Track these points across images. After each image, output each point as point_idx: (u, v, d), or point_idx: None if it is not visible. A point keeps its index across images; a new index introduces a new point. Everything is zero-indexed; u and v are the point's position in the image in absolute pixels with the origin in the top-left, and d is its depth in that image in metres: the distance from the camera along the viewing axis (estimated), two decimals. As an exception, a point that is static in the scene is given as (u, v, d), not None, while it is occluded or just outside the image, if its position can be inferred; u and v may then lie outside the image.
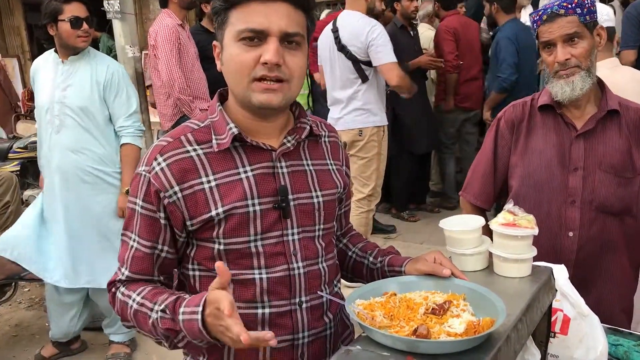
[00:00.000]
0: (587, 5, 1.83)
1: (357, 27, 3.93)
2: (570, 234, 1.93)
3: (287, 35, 1.26)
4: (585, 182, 1.90)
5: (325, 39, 4.17)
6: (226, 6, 1.28)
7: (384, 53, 3.88)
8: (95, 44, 10.14)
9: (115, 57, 9.50)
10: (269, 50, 1.24)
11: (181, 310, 1.20)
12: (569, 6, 1.82)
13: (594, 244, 1.92)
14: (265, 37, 1.25)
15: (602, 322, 1.66)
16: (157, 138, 4.79)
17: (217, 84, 4.74)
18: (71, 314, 3.35)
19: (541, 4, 4.57)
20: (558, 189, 1.93)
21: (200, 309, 1.16)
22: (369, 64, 3.97)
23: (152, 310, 1.26)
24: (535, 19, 1.90)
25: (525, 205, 1.79)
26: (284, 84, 1.28)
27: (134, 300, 1.31)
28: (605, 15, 2.57)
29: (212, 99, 4.31)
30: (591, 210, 1.91)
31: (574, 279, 1.73)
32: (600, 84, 1.97)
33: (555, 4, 1.85)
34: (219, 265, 1.12)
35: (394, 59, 3.94)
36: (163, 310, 1.24)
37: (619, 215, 1.92)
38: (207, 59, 4.61)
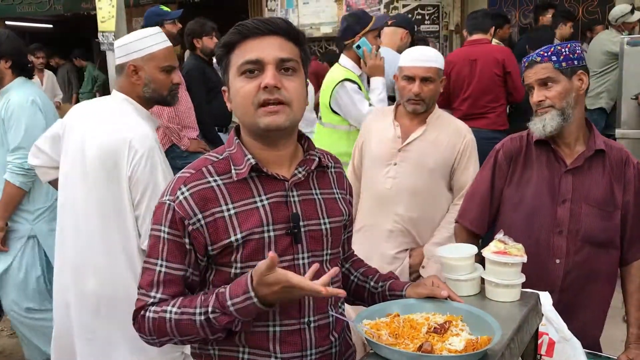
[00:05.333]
0: (564, 54, 2.03)
1: (388, 63, 3.84)
2: (557, 261, 2.07)
3: (281, 61, 1.40)
4: (572, 214, 2.06)
5: None
6: (227, 50, 1.43)
7: None
8: (81, 74, 10.24)
9: (100, 86, 9.61)
10: (267, 76, 1.38)
11: (229, 303, 1.33)
12: (545, 54, 2.04)
13: (579, 271, 2.06)
14: (262, 67, 1.39)
15: (585, 347, 1.79)
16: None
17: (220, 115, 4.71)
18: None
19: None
20: (547, 218, 2.08)
21: (251, 293, 1.30)
22: (393, 99, 3.96)
23: (194, 314, 1.36)
24: (523, 65, 2.11)
25: (515, 232, 1.93)
26: (285, 106, 1.40)
27: (171, 313, 1.38)
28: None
29: (203, 126, 4.28)
30: (577, 240, 2.06)
31: (560, 304, 1.87)
32: (588, 126, 2.14)
33: (535, 52, 2.07)
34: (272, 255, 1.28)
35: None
36: (213, 312, 1.34)
37: (604, 247, 2.07)
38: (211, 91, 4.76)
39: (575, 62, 2.04)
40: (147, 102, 2.41)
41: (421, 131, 2.64)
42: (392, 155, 2.67)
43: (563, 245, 2.07)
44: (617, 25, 5.76)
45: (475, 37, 4.76)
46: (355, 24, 3.52)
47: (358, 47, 3.47)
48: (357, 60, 3.54)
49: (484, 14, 4.99)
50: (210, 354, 1.49)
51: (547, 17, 6.26)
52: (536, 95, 2.06)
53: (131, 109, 2.35)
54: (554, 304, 1.90)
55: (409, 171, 2.63)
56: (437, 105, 2.74)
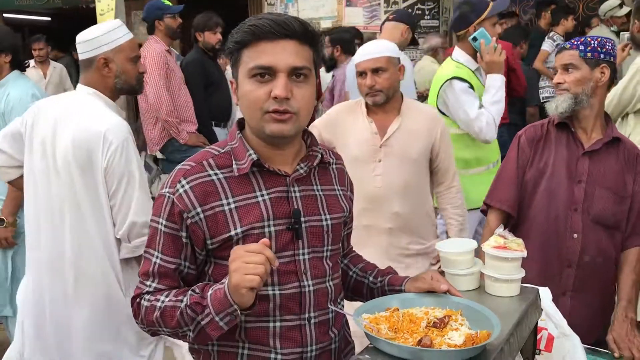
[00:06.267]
0: (592, 45, 2.18)
1: None
2: (575, 235, 2.20)
3: (294, 69, 1.37)
4: (586, 194, 2.20)
5: (352, 66, 4.17)
6: (239, 47, 1.40)
7: (405, 91, 3.60)
8: (77, 66, 10.20)
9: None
10: (278, 86, 1.35)
11: (212, 287, 1.34)
12: (575, 42, 2.22)
13: (594, 248, 2.18)
14: (274, 73, 1.36)
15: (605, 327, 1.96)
16: (145, 161, 4.87)
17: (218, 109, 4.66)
18: None
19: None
20: (565, 196, 2.22)
21: (227, 279, 1.29)
22: None
23: (181, 301, 1.35)
24: (557, 50, 2.32)
25: (536, 210, 2.19)
26: (293, 116, 1.39)
27: (162, 302, 1.38)
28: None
29: (198, 120, 4.23)
30: (588, 220, 2.19)
31: (578, 279, 2.11)
32: (607, 118, 2.29)
33: (568, 41, 2.27)
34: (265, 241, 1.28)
35: (413, 96, 3.81)
36: (193, 290, 1.35)
37: (611, 230, 2.20)
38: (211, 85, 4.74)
39: (602, 56, 2.17)
40: (118, 93, 2.44)
41: (398, 123, 2.63)
42: (375, 152, 2.64)
43: (579, 221, 2.19)
44: (606, 19, 5.76)
45: None
46: (469, 11, 3.17)
47: (474, 39, 3.12)
48: (474, 52, 3.21)
49: None
50: (209, 350, 1.49)
51: (549, 13, 6.27)
52: (556, 78, 2.24)
53: (100, 102, 2.35)
54: (574, 280, 2.15)
55: (396, 165, 2.62)
56: (403, 95, 2.72)
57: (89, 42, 2.32)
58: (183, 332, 1.37)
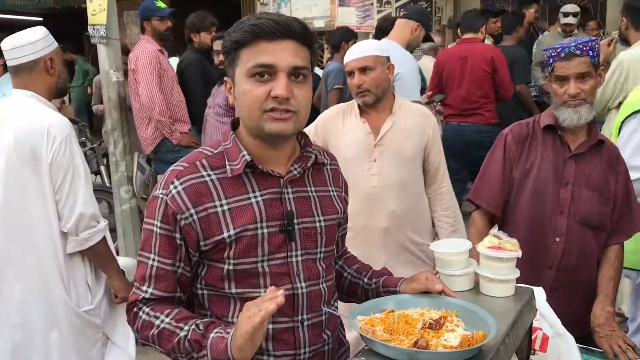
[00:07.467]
0: (596, 49, 2.12)
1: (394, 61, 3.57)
2: (557, 239, 2.19)
3: (295, 68, 1.37)
4: (573, 196, 2.19)
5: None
6: (237, 46, 1.38)
7: (406, 90, 3.58)
8: (71, 67, 10.15)
9: (91, 80, 9.52)
10: (278, 86, 1.34)
11: (215, 329, 1.32)
12: (584, 48, 2.10)
13: (576, 251, 2.18)
14: (274, 72, 1.35)
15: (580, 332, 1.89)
16: (137, 162, 4.84)
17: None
18: None
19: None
20: (550, 199, 2.20)
21: (232, 331, 1.28)
22: None
23: (181, 329, 1.35)
24: (553, 54, 2.14)
25: (521, 211, 2.18)
26: (293, 115, 1.38)
27: (162, 321, 1.38)
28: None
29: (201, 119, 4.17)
30: (575, 222, 2.18)
31: (557, 281, 2.10)
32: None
33: (572, 44, 2.11)
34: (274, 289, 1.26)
35: (417, 98, 3.79)
36: (197, 325, 1.34)
37: (596, 230, 2.21)
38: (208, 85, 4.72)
39: (597, 59, 2.13)
40: (57, 93, 2.50)
41: (391, 122, 2.63)
42: (369, 152, 2.64)
43: (563, 224, 2.18)
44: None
45: (467, 36, 4.90)
46: None
47: None
48: None
49: (475, 14, 5.17)
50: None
51: (530, 12, 6.39)
52: (573, 88, 2.11)
53: (39, 102, 2.39)
54: (553, 281, 2.14)
55: (391, 164, 2.62)
56: (395, 94, 2.72)
57: (32, 44, 2.35)
58: (175, 357, 1.38)
